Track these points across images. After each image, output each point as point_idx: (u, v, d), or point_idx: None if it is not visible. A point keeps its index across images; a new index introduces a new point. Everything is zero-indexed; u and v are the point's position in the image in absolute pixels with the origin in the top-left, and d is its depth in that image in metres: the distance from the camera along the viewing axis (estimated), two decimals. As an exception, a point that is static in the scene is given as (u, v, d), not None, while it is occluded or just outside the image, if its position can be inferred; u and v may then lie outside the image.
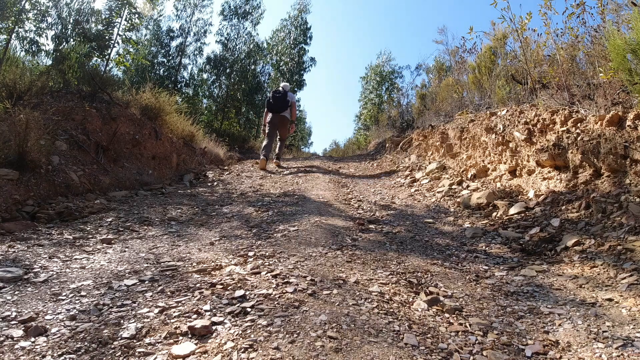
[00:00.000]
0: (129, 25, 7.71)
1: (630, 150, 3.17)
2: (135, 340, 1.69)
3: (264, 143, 7.05)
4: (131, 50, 8.52)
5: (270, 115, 7.17)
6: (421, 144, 7.93)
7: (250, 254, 2.87)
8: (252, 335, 1.68)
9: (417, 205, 5.03)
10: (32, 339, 1.69)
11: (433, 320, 2.02)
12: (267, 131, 7.13)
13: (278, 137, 7.39)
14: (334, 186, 6.14)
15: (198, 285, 2.25)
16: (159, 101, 7.11)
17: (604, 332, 1.91)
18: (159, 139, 6.68)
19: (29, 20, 6.42)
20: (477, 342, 1.84)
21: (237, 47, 17.02)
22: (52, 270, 2.48)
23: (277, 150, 7.56)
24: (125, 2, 7.48)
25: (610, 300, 2.24)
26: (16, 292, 2.15)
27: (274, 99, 7.20)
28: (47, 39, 6.64)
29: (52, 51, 6.66)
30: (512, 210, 4.06)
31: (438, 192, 5.42)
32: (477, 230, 3.80)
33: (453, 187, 5.45)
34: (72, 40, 6.92)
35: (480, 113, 6.11)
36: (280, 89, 7.34)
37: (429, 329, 1.90)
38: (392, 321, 1.90)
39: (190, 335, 1.71)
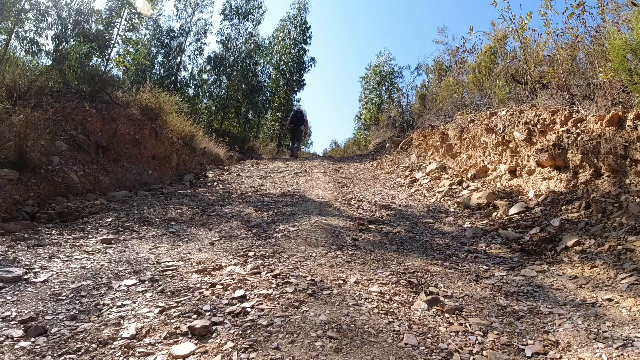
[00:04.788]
0: (129, 25, 7.70)
1: (630, 150, 3.17)
2: (135, 340, 1.69)
3: (290, 143, 12.01)
4: (131, 50, 8.51)
5: (291, 125, 11.56)
6: (421, 144, 7.93)
7: (250, 254, 2.87)
8: (252, 335, 1.68)
9: (417, 205, 5.03)
10: (32, 339, 1.69)
11: (433, 320, 2.02)
12: (289, 136, 12.11)
13: (297, 139, 11.72)
14: (334, 186, 6.14)
15: (198, 285, 2.25)
16: (159, 101, 7.11)
17: (604, 332, 1.91)
18: (159, 139, 6.68)
19: (29, 20, 6.40)
20: (477, 342, 1.84)
21: (237, 47, 17.02)
22: (52, 270, 2.48)
23: (297, 147, 11.82)
24: (125, 2, 7.47)
25: (610, 300, 2.24)
26: (16, 292, 2.15)
27: (294, 116, 11.62)
28: (47, 39, 6.62)
29: (52, 51, 6.64)
30: (512, 210, 4.06)
31: (438, 192, 5.42)
32: (477, 230, 3.80)
33: (453, 187, 5.45)
34: (72, 40, 6.90)
35: (480, 113, 6.11)
36: (297, 109, 11.93)
37: (429, 329, 1.90)
38: (392, 321, 1.90)
39: (190, 335, 1.71)
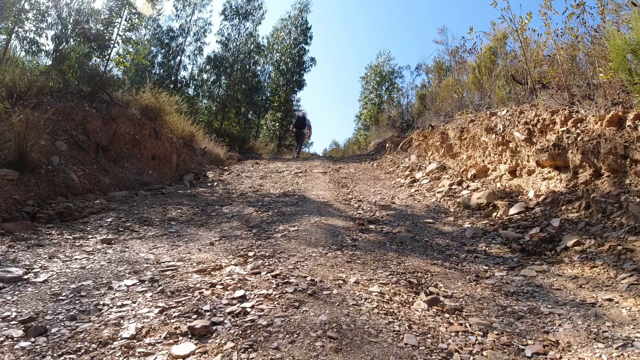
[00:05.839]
0: (129, 25, 7.70)
1: (630, 150, 3.17)
2: (135, 340, 1.69)
3: (294, 145, 13.53)
4: (131, 50, 8.51)
5: (295, 129, 12.74)
6: (421, 144, 7.93)
7: (250, 254, 2.87)
8: (252, 336, 1.68)
9: (417, 206, 5.03)
10: (32, 339, 1.69)
11: (433, 321, 2.02)
12: (294, 138, 13.56)
13: (300, 141, 13.13)
14: (334, 186, 6.14)
15: (198, 285, 2.25)
16: (159, 101, 7.11)
17: (604, 332, 1.91)
18: (159, 139, 6.68)
19: (29, 20, 6.40)
20: (477, 342, 1.84)
21: (237, 47, 17.02)
22: (52, 270, 2.48)
23: (299, 148, 13.33)
24: (125, 2, 7.47)
25: (610, 300, 2.24)
26: (16, 292, 2.15)
27: (298, 121, 12.69)
28: (47, 39, 6.62)
29: (52, 51, 6.64)
30: (512, 211, 4.06)
31: (438, 192, 5.42)
32: (477, 231, 3.80)
33: (453, 187, 5.45)
34: (72, 40, 6.90)
35: (480, 113, 6.11)
36: (301, 114, 12.88)
37: (429, 329, 1.90)
38: (392, 321, 1.90)
39: (190, 335, 1.71)
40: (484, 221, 4.13)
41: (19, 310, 1.94)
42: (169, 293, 2.16)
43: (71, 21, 6.95)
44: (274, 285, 2.21)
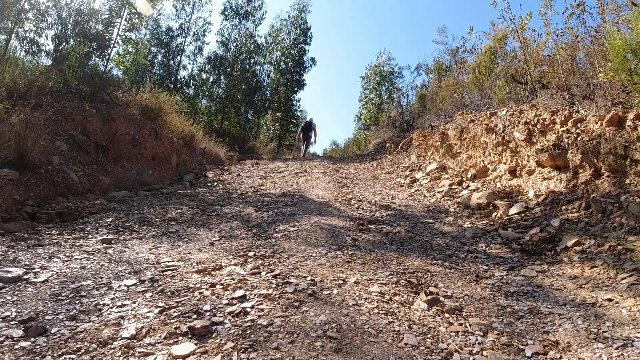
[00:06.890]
0: (129, 25, 7.69)
1: (630, 150, 3.17)
2: (135, 340, 1.69)
3: (302, 147, 14.19)
4: (131, 50, 8.51)
5: (302, 134, 13.86)
6: (421, 144, 7.93)
7: (250, 254, 2.87)
8: (252, 336, 1.68)
9: (417, 206, 5.03)
10: (32, 339, 1.69)
11: (433, 321, 2.02)
12: (301, 141, 14.23)
13: (306, 143, 13.98)
14: (334, 186, 6.14)
15: (198, 285, 2.25)
16: (158, 101, 7.11)
17: (604, 332, 1.91)
18: (159, 139, 6.67)
19: (29, 20, 6.39)
20: (477, 342, 1.84)
21: (237, 47, 17.02)
22: (52, 270, 2.48)
23: (305, 150, 14.07)
24: (125, 2, 7.46)
25: (610, 300, 2.24)
26: (16, 292, 2.15)
27: (305, 126, 13.71)
28: (47, 39, 6.61)
29: (52, 51, 6.64)
30: (512, 211, 4.06)
31: (438, 192, 5.42)
32: (477, 231, 3.80)
33: (453, 187, 5.45)
34: (72, 40, 6.90)
35: (480, 113, 6.11)
36: (308, 119, 13.88)
37: (429, 329, 1.90)
38: (392, 321, 1.90)
39: (190, 335, 1.71)
40: (484, 221, 4.13)
41: (19, 310, 1.94)
42: (169, 293, 2.16)
43: (71, 21, 6.95)
44: (274, 285, 2.21)
